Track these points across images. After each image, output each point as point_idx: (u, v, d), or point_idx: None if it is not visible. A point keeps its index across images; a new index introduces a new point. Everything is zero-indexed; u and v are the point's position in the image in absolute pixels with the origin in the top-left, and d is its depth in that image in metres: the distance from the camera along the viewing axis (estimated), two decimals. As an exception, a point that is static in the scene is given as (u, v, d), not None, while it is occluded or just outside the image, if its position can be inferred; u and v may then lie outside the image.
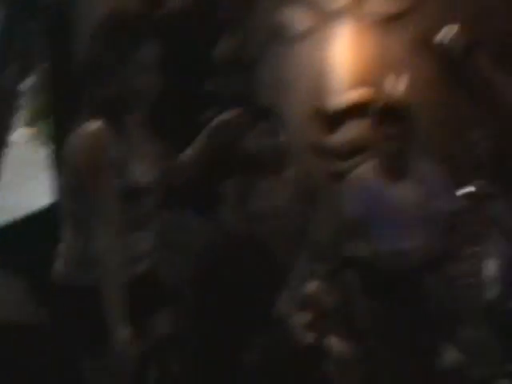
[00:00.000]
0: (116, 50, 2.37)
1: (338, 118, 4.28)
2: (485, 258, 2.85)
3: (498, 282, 2.92)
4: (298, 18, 4.31)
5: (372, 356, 2.33)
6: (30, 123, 6.52)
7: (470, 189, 2.75)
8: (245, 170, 3.68)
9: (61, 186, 2.55)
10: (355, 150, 4.14)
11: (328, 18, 4.26)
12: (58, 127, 4.47)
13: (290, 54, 4.33)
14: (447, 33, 3.73)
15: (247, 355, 1.78)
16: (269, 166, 3.71)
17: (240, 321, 1.76)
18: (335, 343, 2.19)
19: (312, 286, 3.04)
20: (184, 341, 1.94)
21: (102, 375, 2.40)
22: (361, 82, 4.22)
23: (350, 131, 4.25)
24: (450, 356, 2.50)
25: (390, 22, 4.16)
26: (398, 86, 3.72)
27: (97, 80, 2.41)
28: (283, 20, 4.30)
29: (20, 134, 6.22)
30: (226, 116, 2.59)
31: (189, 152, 2.63)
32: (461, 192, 2.82)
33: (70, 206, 2.47)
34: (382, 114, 3.69)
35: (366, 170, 3.78)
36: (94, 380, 2.46)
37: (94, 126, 2.35)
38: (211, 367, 1.75)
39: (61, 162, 2.64)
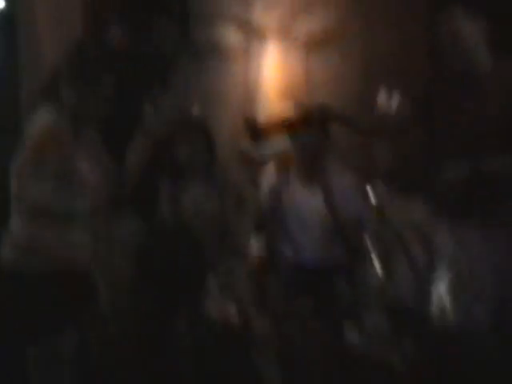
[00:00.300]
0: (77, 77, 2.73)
1: (265, 131, 4.67)
2: (390, 260, 3.27)
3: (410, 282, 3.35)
4: (231, 36, 4.72)
5: (288, 337, 2.72)
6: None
7: (372, 196, 3.15)
8: (177, 174, 4.00)
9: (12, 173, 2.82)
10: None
11: (259, 37, 4.70)
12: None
13: (223, 70, 4.73)
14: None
15: (178, 328, 2.12)
16: (200, 172, 4.05)
17: (172, 300, 2.11)
18: (258, 325, 2.55)
19: (233, 281, 3.42)
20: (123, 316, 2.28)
21: (48, 362, 2.69)
22: (287, 97, 4.64)
23: (276, 143, 4.64)
24: (354, 338, 2.92)
25: (315, 44, 4.61)
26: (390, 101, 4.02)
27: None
28: (218, 37, 4.70)
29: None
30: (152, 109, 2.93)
31: (130, 155, 2.96)
32: (365, 199, 3.23)
33: (17, 193, 2.73)
34: (299, 123, 4.04)
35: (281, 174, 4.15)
36: (38, 368, 2.73)
37: (47, 113, 2.70)
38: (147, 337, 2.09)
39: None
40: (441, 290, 3.33)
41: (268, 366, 2.22)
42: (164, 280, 2.12)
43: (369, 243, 3.29)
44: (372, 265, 3.29)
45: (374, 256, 3.29)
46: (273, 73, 4.66)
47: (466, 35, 2.99)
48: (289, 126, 4.21)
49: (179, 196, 3.92)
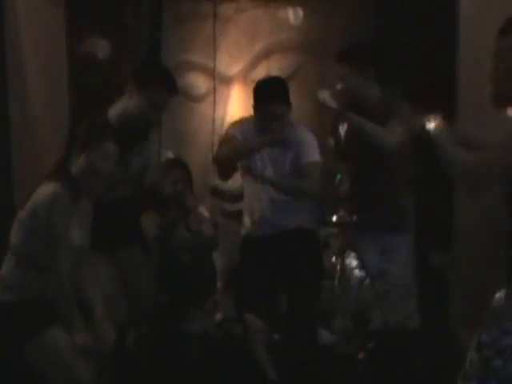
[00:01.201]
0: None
1: (230, 168, 5.47)
2: (348, 269, 4.07)
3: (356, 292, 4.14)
4: (198, 82, 5.59)
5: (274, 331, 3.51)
6: None
7: (335, 218, 3.96)
8: (159, 208, 4.74)
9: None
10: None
11: (224, 83, 5.59)
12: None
13: (192, 112, 5.57)
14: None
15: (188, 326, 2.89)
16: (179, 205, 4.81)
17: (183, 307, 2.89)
18: (252, 320, 3.33)
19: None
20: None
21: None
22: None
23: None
24: (326, 337, 3.73)
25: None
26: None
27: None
28: (188, 83, 5.55)
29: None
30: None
31: None
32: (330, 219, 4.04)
33: (15, 241, 3.35)
34: None
35: None
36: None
37: (54, 186, 3.31)
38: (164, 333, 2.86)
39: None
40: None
41: (261, 355, 3.01)
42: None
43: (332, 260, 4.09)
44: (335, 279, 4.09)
45: (336, 271, 4.08)
46: (237, 115, 5.46)
47: (357, 82, 3.92)
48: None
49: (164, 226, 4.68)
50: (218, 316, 3.31)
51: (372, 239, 3.99)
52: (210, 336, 2.92)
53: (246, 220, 4.36)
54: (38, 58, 4.90)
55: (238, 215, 5.00)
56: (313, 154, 4.18)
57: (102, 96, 5.43)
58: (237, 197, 5.30)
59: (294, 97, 5.47)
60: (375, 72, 3.95)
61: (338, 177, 4.30)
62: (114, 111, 3.75)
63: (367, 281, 3.96)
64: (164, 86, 3.74)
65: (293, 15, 5.67)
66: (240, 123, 4.37)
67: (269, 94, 4.14)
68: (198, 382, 2.78)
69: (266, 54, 5.64)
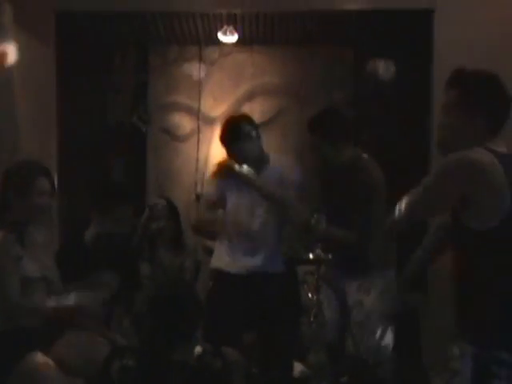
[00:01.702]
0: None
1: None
2: (322, 305, 4.29)
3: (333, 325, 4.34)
4: (183, 122, 5.87)
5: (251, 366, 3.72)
6: None
7: (311, 256, 4.20)
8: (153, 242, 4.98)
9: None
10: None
11: (206, 123, 5.87)
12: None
13: (176, 151, 5.83)
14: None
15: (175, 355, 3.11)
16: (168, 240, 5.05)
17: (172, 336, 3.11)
18: (230, 353, 3.55)
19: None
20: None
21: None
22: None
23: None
24: (301, 371, 3.94)
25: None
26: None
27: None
28: (171, 124, 5.84)
29: None
30: None
31: None
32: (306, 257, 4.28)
33: None
34: None
35: None
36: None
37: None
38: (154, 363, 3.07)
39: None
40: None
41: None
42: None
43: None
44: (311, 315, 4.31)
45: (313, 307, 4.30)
46: (220, 155, 5.71)
47: (326, 149, 4.11)
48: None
49: (154, 258, 4.92)
50: (198, 349, 3.51)
51: (347, 275, 4.16)
52: (191, 366, 3.12)
53: (222, 252, 4.48)
54: (28, 98, 5.12)
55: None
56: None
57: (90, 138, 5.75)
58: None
59: (276, 138, 5.84)
60: (343, 136, 4.16)
61: (315, 215, 4.53)
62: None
63: (342, 314, 4.19)
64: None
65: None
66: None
67: (226, 138, 4.37)
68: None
69: (249, 97, 5.96)
